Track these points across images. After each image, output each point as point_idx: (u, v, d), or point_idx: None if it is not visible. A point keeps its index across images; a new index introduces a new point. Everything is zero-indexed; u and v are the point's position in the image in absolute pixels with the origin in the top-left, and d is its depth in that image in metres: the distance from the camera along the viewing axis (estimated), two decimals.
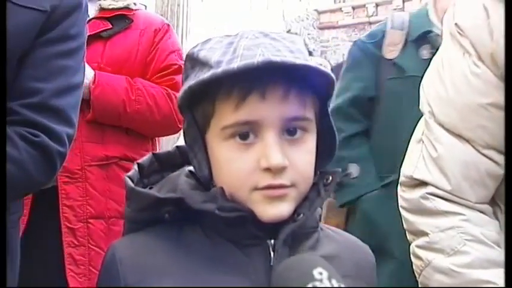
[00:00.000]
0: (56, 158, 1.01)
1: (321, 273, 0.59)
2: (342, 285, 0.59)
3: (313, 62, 0.72)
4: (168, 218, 0.72)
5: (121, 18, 1.66)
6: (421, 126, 1.01)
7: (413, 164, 0.99)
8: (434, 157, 0.96)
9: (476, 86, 0.92)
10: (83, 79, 1.13)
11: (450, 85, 0.95)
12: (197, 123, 0.73)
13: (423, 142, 0.99)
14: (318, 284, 0.58)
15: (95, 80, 1.56)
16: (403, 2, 12.88)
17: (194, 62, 0.73)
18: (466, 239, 0.91)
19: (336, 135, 0.77)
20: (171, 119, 1.68)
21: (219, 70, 0.67)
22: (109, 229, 1.56)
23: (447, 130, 0.95)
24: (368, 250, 0.85)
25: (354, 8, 13.18)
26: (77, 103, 1.10)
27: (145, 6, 1.99)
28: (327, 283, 0.58)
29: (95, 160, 1.58)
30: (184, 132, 0.76)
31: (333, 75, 0.71)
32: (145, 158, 0.79)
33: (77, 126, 1.09)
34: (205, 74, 0.68)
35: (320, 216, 0.81)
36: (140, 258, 0.70)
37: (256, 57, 0.67)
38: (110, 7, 1.65)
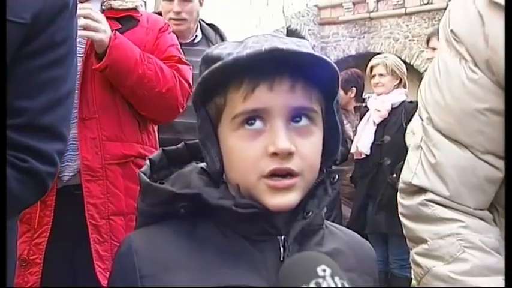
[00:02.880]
0: (46, 179, 0.97)
1: (324, 271, 0.60)
2: (345, 283, 0.60)
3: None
4: (183, 213, 0.74)
5: (129, 19, 1.70)
6: (419, 132, 1.02)
7: (412, 171, 0.99)
8: (432, 163, 0.95)
9: (473, 91, 0.92)
10: (74, 84, 1.07)
11: (447, 91, 0.95)
12: (210, 117, 0.76)
13: (422, 148, 0.99)
14: (321, 281, 0.59)
15: (115, 33, 1.59)
16: None
17: (207, 61, 0.76)
18: (465, 246, 0.91)
19: (341, 133, 0.80)
20: (174, 96, 1.69)
21: (229, 58, 0.70)
22: (127, 225, 1.60)
23: (445, 136, 0.95)
24: (368, 245, 0.88)
25: (354, 4, 13.16)
26: (68, 113, 1.04)
27: (145, 3, 2.05)
28: (329, 280, 0.59)
29: (115, 158, 1.61)
30: (198, 128, 0.78)
31: (336, 68, 0.73)
32: (155, 154, 0.82)
33: (68, 137, 1.04)
34: (217, 64, 0.71)
35: (325, 213, 0.84)
36: (156, 251, 0.72)
37: (264, 46, 0.70)
38: (120, 7, 1.68)
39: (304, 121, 0.74)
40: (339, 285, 0.59)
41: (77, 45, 1.55)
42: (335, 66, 0.73)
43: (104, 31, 1.56)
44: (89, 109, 1.58)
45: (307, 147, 0.73)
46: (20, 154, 0.93)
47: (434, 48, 3.19)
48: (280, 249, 0.73)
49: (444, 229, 0.93)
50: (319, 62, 0.71)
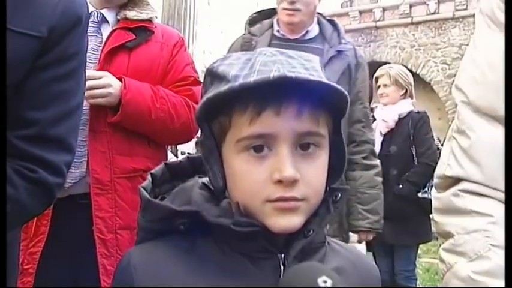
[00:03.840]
0: (54, 189, 0.99)
1: (325, 282, 0.59)
2: None
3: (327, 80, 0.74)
4: (183, 230, 0.73)
5: (143, 30, 1.70)
6: (451, 127, 0.96)
7: (444, 163, 0.93)
8: (465, 148, 0.89)
9: None
10: (83, 97, 1.09)
11: (486, 65, 0.89)
12: (214, 135, 0.75)
13: (454, 138, 0.93)
14: None
15: (125, 85, 1.59)
16: (410, 7, 12.89)
17: (213, 76, 0.75)
18: (491, 244, 0.83)
19: (346, 153, 0.79)
20: (189, 127, 1.72)
21: (236, 84, 0.69)
22: (133, 239, 1.58)
23: (483, 114, 0.88)
24: (372, 264, 0.87)
25: (360, 13, 13.20)
26: (77, 125, 1.06)
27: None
28: None
29: (124, 172, 1.61)
30: (201, 144, 0.78)
31: (346, 93, 0.72)
32: (157, 168, 0.81)
33: (76, 149, 1.06)
34: (223, 87, 0.70)
35: (327, 230, 0.83)
36: (154, 267, 0.72)
37: (272, 72, 0.68)
38: (135, 18, 1.68)
39: (310, 147, 0.73)
40: None
41: (91, 54, 1.59)
42: (344, 91, 0.72)
43: (109, 93, 1.56)
44: (99, 122, 1.59)
45: (312, 173, 0.72)
46: (29, 164, 0.94)
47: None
48: (280, 267, 0.72)
49: (472, 224, 0.86)
50: (327, 88, 0.70)
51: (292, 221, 0.71)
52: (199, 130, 0.78)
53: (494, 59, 0.89)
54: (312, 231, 0.73)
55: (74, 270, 1.55)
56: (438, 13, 12.31)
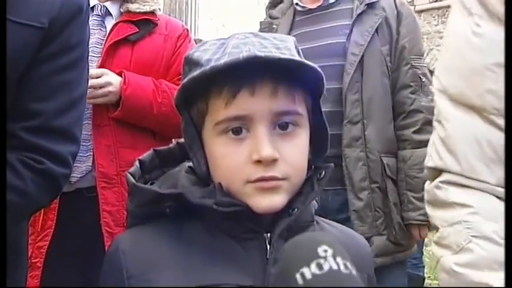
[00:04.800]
0: (61, 180, 0.99)
1: (325, 251, 0.58)
2: (348, 263, 0.58)
3: (300, 59, 0.72)
4: (168, 213, 0.74)
5: (146, 23, 1.69)
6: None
7: (428, 154, 0.92)
8: (442, 137, 0.89)
9: (478, 46, 0.86)
10: (87, 87, 1.09)
11: (455, 51, 0.90)
12: (193, 121, 0.76)
13: (434, 128, 0.92)
14: (322, 261, 0.57)
15: (125, 80, 1.59)
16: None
17: (190, 64, 0.76)
18: (472, 235, 0.82)
19: (328, 131, 0.79)
20: None
21: (208, 67, 0.69)
22: None
23: (455, 101, 0.88)
24: (363, 240, 0.86)
25: None
26: (81, 116, 1.06)
27: None
28: (331, 261, 0.57)
29: (130, 165, 1.57)
30: (183, 131, 0.78)
31: (319, 69, 0.71)
32: (146, 155, 0.81)
33: (81, 139, 1.05)
34: (195, 72, 0.70)
35: (315, 209, 0.81)
36: (142, 251, 0.72)
37: (242, 53, 0.69)
38: (137, 11, 1.68)
39: (288, 126, 0.72)
40: (341, 266, 0.57)
41: (95, 47, 1.58)
42: (317, 68, 0.71)
43: (109, 92, 1.56)
44: (103, 116, 1.59)
45: (292, 151, 0.72)
46: (35, 156, 0.94)
47: None
48: (266, 247, 0.72)
49: (453, 215, 0.86)
50: (300, 66, 0.70)
51: (274, 200, 0.71)
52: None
53: (461, 44, 0.88)
54: (296, 209, 0.73)
55: (81, 264, 1.56)
56: (441, 1, 12.23)
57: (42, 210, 1.50)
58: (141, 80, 1.63)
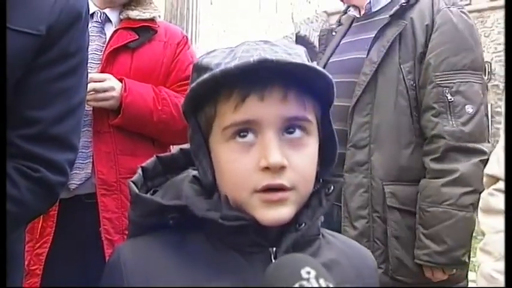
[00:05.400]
0: (57, 188, 0.98)
1: (308, 273, 0.58)
2: (330, 284, 0.58)
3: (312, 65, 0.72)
4: (172, 224, 0.73)
5: (146, 29, 1.69)
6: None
7: (490, 161, 0.93)
8: (502, 146, 0.88)
9: None
10: (85, 94, 1.07)
11: None
12: (201, 128, 0.75)
13: (500, 137, 0.92)
14: (305, 283, 0.57)
15: (125, 87, 1.59)
16: None
17: (198, 70, 0.74)
18: None
19: (337, 142, 0.77)
20: None
21: (217, 70, 0.68)
22: None
23: None
24: (369, 254, 0.85)
25: None
26: (79, 123, 1.04)
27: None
28: (314, 282, 0.58)
29: (130, 172, 1.59)
30: (189, 139, 0.77)
31: (330, 77, 0.70)
32: (149, 162, 0.80)
33: (79, 147, 1.04)
34: (205, 76, 0.69)
35: (321, 223, 0.80)
36: (143, 263, 0.71)
37: (253, 57, 0.68)
38: (138, 18, 1.67)
39: (297, 132, 0.71)
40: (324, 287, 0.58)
41: (94, 54, 1.58)
42: (329, 75, 0.70)
43: (112, 97, 1.56)
44: (103, 123, 1.59)
45: (300, 160, 0.71)
46: (31, 164, 0.93)
47: None
48: (271, 261, 0.70)
49: (501, 223, 0.85)
50: (311, 72, 0.69)
51: (281, 213, 0.69)
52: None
53: None
54: (303, 224, 0.72)
55: (80, 271, 1.55)
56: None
57: (41, 217, 1.49)
58: (141, 87, 1.63)
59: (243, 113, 0.69)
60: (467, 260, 1.52)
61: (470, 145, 1.51)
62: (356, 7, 1.81)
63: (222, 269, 0.70)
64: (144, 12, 1.68)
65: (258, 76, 0.68)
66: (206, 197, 0.73)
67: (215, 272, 0.70)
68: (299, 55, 0.73)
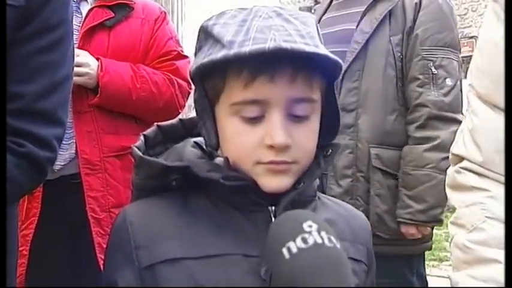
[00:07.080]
0: (44, 164, 0.96)
1: (310, 226, 0.61)
2: (332, 237, 0.61)
3: (323, 48, 0.73)
4: (175, 186, 0.75)
5: (122, 7, 1.66)
6: None
7: (455, 141, 0.99)
8: (470, 129, 0.94)
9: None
10: (71, 69, 1.05)
11: (485, 55, 0.94)
12: (207, 94, 0.76)
13: (465, 117, 0.98)
14: (307, 236, 0.60)
15: (102, 66, 1.57)
16: None
17: (207, 35, 0.75)
18: (486, 216, 0.89)
19: (340, 114, 0.80)
20: (172, 104, 1.70)
21: (231, 52, 0.69)
22: None
23: (483, 101, 0.93)
24: (363, 217, 0.88)
25: None
26: (66, 99, 1.02)
27: None
28: (316, 235, 0.60)
29: (113, 151, 1.60)
30: (195, 101, 0.78)
31: (341, 61, 0.73)
32: (150, 130, 0.82)
33: (66, 123, 1.03)
34: (217, 54, 0.70)
35: (318, 186, 0.83)
36: (149, 222, 0.73)
37: (268, 42, 0.68)
38: None
39: (303, 111, 0.73)
40: (326, 240, 0.60)
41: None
42: (339, 60, 0.72)
43: (86, 73, 1.54)
44: (82, 103, 1.57)
45: (304, 136, 0.73)
46: (17, 139, 0.92)
47: None
48: (271, 219, 0.73)
49: (470, 198, 0.92)
50: (322, 57, 0.70)
51: (282, 182, 0.72)
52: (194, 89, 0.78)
53: (490, 48, 0.92)
54: (302, 184, 0.75)
55: (68, 250, 1.56)
56: None
57: (26, 198, 1.50)
58: (119, 66, 1.61)
59: (252, 92, 0.70)
60: (443, 218, 1.67)
61: (450, 114, 1.65)
62: None
63: (224, 226, 0.73)
64: None
65: (270, 58, 0.68)
66: (207, 160, 0.76)
67: (218, 229, 0.73)
68: (312, 37, 0.73)
